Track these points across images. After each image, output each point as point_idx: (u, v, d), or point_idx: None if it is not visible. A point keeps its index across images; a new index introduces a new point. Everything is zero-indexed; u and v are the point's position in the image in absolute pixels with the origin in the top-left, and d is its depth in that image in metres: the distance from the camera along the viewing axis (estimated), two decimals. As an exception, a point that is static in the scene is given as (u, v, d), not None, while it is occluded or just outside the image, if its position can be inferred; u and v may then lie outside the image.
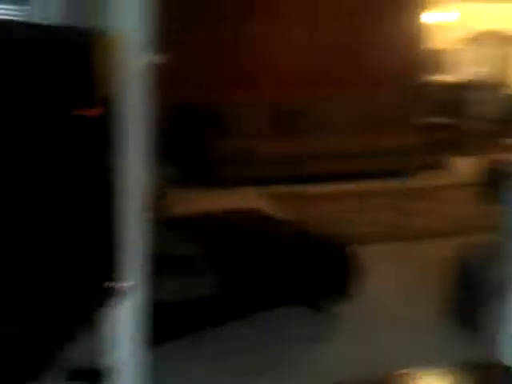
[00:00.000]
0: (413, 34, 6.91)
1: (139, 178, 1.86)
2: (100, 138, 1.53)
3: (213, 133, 6.13)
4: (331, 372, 2.49)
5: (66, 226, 1.43)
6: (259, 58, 6.53)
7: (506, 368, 2.53)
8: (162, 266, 2.73)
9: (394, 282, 3.49)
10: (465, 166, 6.75)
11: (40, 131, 1.29)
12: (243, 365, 2.54)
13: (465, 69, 7.63)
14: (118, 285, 1.70)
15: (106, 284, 1.66)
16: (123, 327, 1.97)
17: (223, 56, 6.47)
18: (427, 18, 7.11)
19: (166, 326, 2.50)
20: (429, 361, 2.58)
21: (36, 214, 1.29)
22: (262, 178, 5.93)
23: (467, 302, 2.97)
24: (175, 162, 6.26)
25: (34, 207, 1.28)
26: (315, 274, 2.98)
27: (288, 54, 6.58)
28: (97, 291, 1.65)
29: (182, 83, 5.93)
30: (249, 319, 2.83)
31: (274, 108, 6.48)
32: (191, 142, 6.33)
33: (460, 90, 7.54)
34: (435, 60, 7.32)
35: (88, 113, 1.45)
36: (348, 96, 6.72)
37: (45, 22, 1.63)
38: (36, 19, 1.70)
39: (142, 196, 1.88)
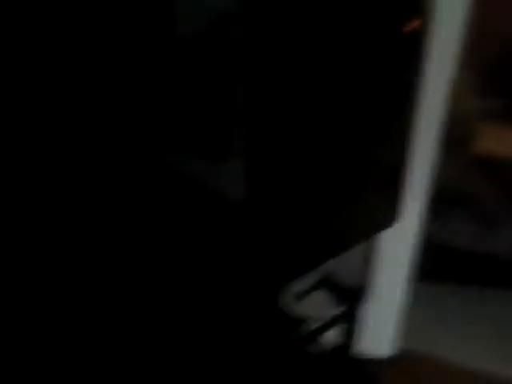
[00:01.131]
0: None
1: (441, 108, 1.65)
2: (411, 54, 1.33)
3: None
4: None
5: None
6: None
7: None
8: (449, 205, 2.49)
9: None
10: None
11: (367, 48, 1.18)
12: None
13: None
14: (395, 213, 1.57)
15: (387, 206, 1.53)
16: (393, 256, 1.89)
17: None
18: None
19: (439, 267, 2.31)
20: None
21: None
22: None
23: None
24: (495, 95, 5.60)
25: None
26: None
27: None
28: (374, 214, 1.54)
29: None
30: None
31: None
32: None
33: None
34: None
35: (408, 26, 1.27)
36: None
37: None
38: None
39: (442, 125, 1.68)
